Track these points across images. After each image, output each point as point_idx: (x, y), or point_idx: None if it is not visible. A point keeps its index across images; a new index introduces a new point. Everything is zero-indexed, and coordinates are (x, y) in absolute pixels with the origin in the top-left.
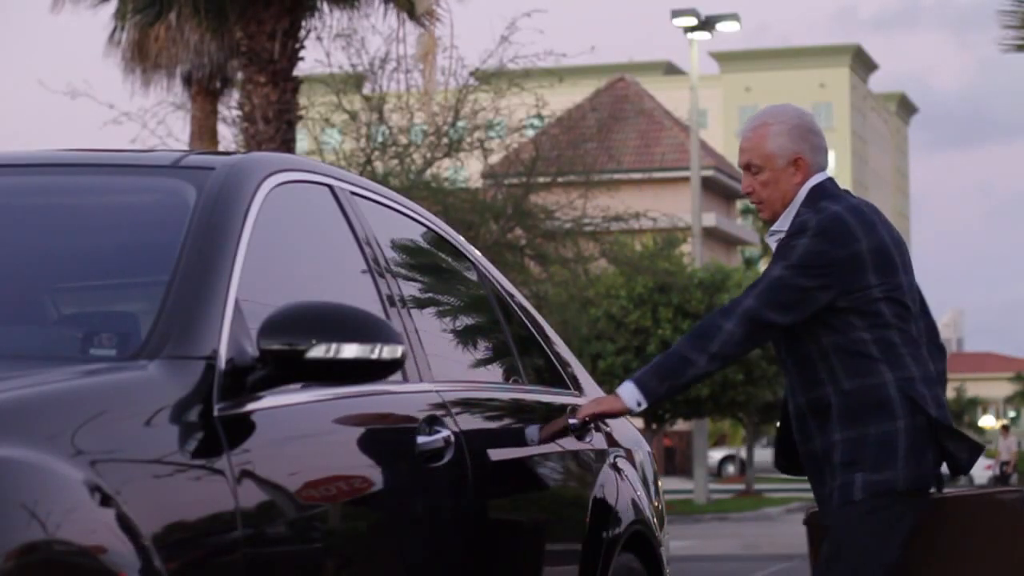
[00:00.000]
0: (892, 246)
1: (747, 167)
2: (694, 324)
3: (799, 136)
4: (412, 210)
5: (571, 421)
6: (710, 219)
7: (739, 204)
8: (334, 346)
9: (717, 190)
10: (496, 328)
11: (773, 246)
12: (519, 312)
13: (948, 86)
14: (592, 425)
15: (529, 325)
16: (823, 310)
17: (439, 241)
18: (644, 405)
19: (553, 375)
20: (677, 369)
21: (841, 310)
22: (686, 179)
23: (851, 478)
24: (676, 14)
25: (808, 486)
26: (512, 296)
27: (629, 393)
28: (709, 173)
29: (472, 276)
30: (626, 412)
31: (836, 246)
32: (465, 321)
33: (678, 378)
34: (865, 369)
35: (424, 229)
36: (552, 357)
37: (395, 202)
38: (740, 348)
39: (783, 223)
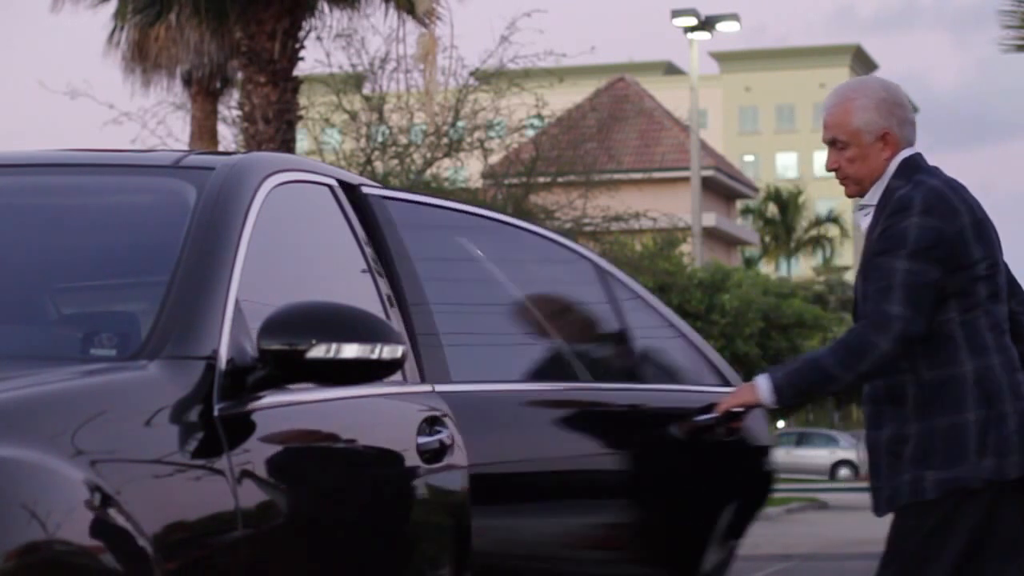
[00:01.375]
0: (987, 221)
1: (832, 143)
2: (693, 324)
3: (886, 110)
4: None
5: (699, 418)
6: (710, 219)
7: (739, 204)
8: (334, 346)
9: (717, 190)
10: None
11: (863, 221)
12: (622, 300)
13: (947, 86)
14: (741, 416)
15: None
16: None
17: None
18: (775, 406)
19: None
20: (817, 383)
21: (940, 288)
22: (686, 179)
23: (922, 475)
24: (676, 14)
25: (806, 487)
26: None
27: (767, 389)
28: (709, 173)
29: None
30: (761, 405)
31: (946, 221)
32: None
33: (815, 391)
34: (946, 358)
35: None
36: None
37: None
38: (891, 366)
39: (872, 196)
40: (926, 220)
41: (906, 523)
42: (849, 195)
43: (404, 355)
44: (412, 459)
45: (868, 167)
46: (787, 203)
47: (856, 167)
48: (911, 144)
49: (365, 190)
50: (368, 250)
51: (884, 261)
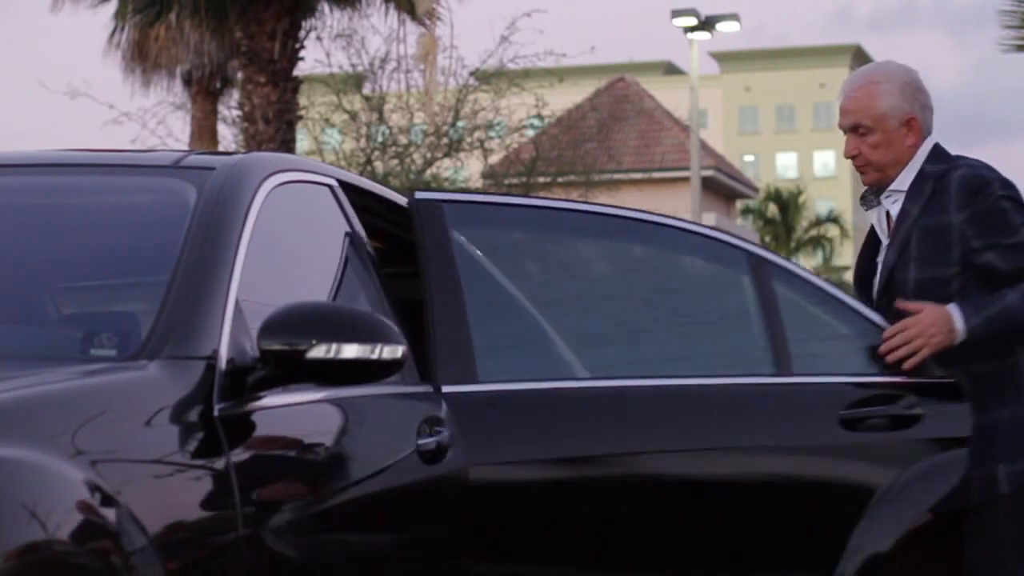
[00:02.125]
0: None
1: (854, 129)
2: None
3: (910, 95)
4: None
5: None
6: (710, 219)
7: (739, 204)
8: (334, 346)
9: (717, 190)
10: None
11: (892, 207)
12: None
13: (946, 86)
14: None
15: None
16: (978, 276)
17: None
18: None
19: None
20: (1011, 330)
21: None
22: (686, 179)
23: (992, 471)
24: (676, 14)
25: None
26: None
27: (962, 329)
28: (709, 173)
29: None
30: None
31: (1018, 193)
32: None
33: (1002, 339)
34: (997, 347)
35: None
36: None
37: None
38: None
39: (902, 182)
40: (1009, 191)
41: (984, 523)
42: (868, 183)
43: (404, 355)
44: (411, 459)
45: (893, 154)
46: (787, 203)
47: (880, 153)
48: (930, 131)
49: (419, 195)
50: (368, 250)
51: (1007, 238)
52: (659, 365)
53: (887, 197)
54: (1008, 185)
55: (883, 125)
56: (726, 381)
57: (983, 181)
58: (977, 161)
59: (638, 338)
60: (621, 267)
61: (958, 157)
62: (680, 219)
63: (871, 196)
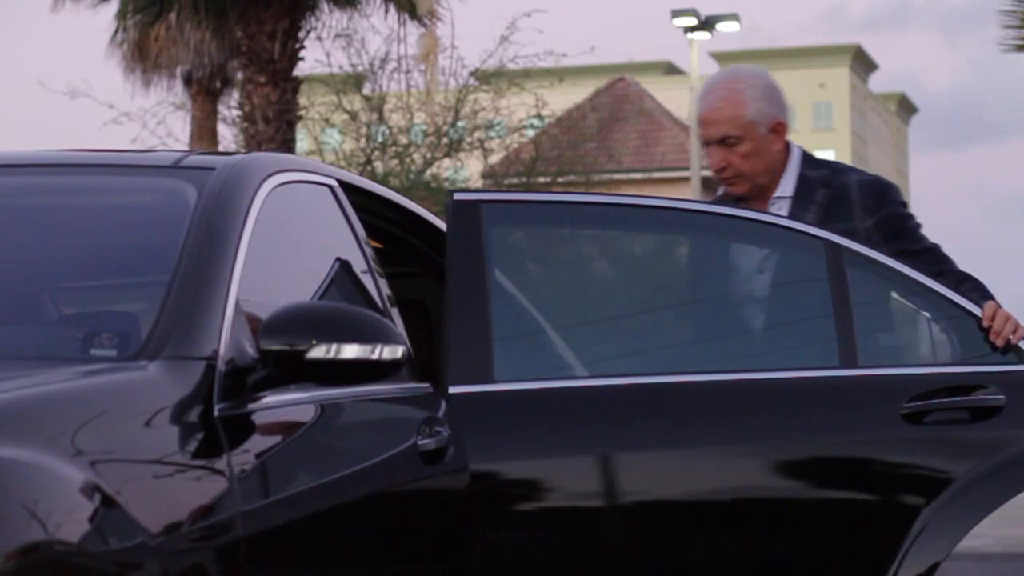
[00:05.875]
0: None
1: (721, 140)
2: None
3: (773, 98)
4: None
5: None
6: None
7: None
8: (334, 346)
9: (717, 190)
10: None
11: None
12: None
13: (940, 87)
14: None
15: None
16: None
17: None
18: None
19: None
20: None
21: None
22: (686, 179)
23: None
24: (676, 14)
25: None
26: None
27: None
28: (709, 173)
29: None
30: None
31: None
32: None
33: None
34: None
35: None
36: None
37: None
38: None
39: (785, 189)
40: (903, 198)
41: None
42: (738, 194)
43: (404, 355)
44: (411, 460)
45: (764, 162)
46: None
47: (751, 163)
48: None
49: (457, 196)
50: (368, 250)
51: (914, 244)
52: (708, 362)
53: (772, 204)
54: (900, 192)
55: (752, 133)
56: (774, 376)
57: (885, 187)
58: (853, 167)
59: (688, 334)
60: (672, 260)
61: (829, 161)
62: (743, 209)
63: (731, 204)
